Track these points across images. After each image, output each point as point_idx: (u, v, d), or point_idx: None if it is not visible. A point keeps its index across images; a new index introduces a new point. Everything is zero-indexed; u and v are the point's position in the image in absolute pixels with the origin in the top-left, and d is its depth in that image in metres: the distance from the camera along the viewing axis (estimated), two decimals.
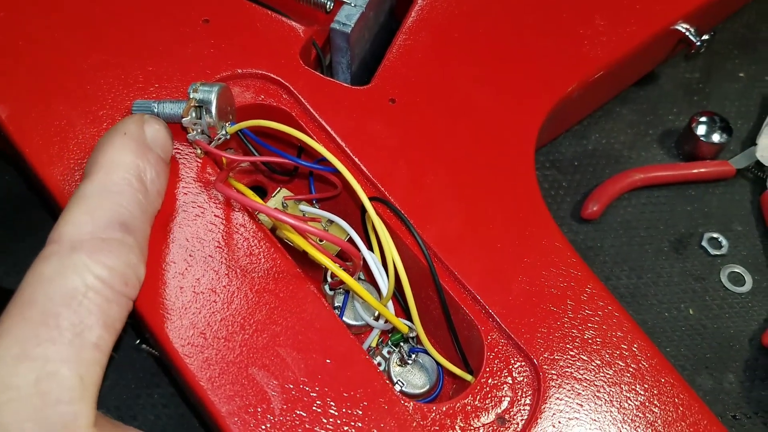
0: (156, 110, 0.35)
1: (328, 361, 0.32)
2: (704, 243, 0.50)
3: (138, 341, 0.43)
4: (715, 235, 0.51)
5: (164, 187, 0.33)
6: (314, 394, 0.31)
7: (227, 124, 0.35)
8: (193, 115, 0.34)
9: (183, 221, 0.34)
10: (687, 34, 0.52)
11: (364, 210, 0.39)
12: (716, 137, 0.53)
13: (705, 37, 0.52)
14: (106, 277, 0.27)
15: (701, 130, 0.53)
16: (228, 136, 0.35)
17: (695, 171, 0.53)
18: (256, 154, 0.37)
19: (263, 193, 0.44)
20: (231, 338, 0.32)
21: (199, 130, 0.34)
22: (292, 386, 0.31)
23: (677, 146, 0.55)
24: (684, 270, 0.49)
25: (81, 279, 0.27)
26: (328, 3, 0.46)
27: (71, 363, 0.26)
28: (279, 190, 0.40)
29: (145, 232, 0.31)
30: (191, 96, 0.34)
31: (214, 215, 0.35)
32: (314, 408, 0.31)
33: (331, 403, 0.31)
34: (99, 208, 0.29)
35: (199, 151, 0.36)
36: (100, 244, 0.28)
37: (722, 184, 0.54)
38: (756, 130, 0.56)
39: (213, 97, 0.33)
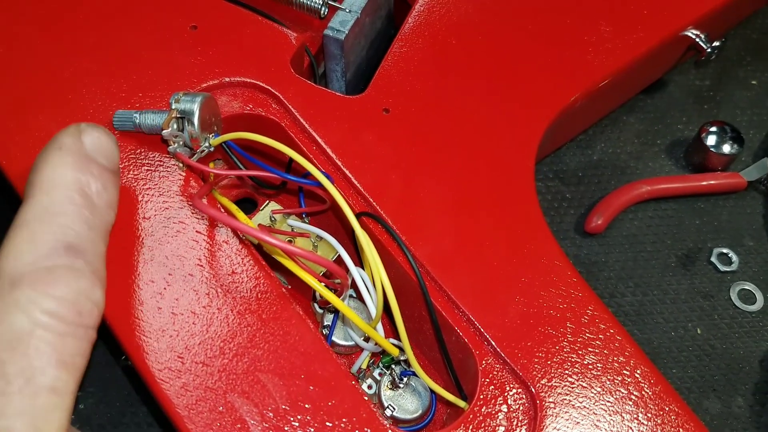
0: (137, 121, 0.34)
1: (311, 387, 0.30)
2: (713, 259, 0.48)
3: (123, 357, 0.42)
4: (724, 251, 0.49)
5: (115, 198, 0.30)
6: (296, 423, 0.29)
7: (211, 136, 0.33)
8: (175, 126, 0.32)
9: (163, 238, 0.33)
10: (697, 40, 0.50)
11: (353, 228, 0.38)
12: (727, 148, 0.51)
13: (716, 43, 0.50)
14: (55, 309, 0.25)
15: (711, 140, 0.51)
16: (212, 149, 0.34)
17: (705, 183, 0.51)
18: (241, 167, 0.36)
19: (254, 205, 0.42)
20: (210, 363, 0.30)
21: (180, 143, 0.33)
22: (272, 415, 0.29)
23: (686, 157, 0.53)
24: (692, 287, 0.47)
25: (26, 316, 0.24)
26: (323, 8, 0.44)
27: (25, 415, 0.23)
28: (267, 204, 0.39)
29: (97, 250, 0.28)
30: (173, 106, 0.32)
31: (196, 231, 0.33)
32: None
33: None
34: (40, 233, 0.26)
35: (182, 164, 0.35)
36: (44, 274, 0.25)
37: (733, 197, 0.52)
38: None
39: (195, 108, 0.32)
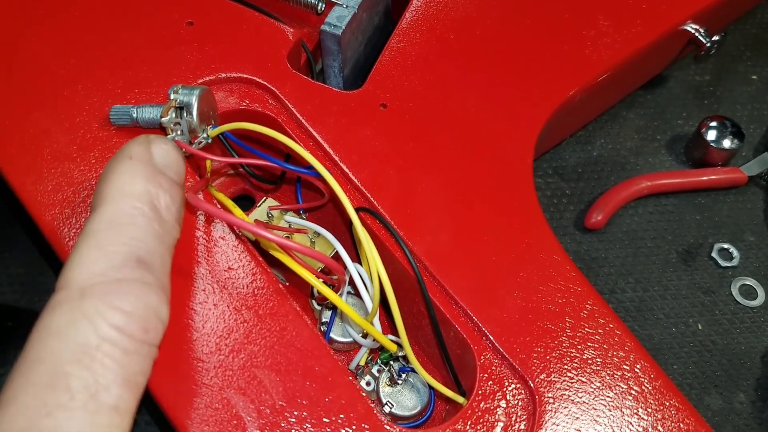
0: (135, 115, 0.34)
1: (308, 383, 0.30)
2: (714, 254, 0.48)
3: None
4: (725, 246, 0.48)
5: (182, 213, 0.29)
6: (293, 420, 0.29)
7: (209, 128, 0.33)
8: (173, 115, 0.32)
9: None
10: (696, 34, 0.49)
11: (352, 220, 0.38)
12: (727, 143, 0.51)
13: (715, 38, 0.50)
14: (123, 324, 0.24)
15: (711, 135, 0.51)
16: (210, 140, 0.33)
17: (705, 178, 0.50)
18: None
19: (251, 203, 0.42)
20: (206, 359, 0.30)
21: (179, 132, 0.32)
22: (269, 411, 0.29)
23: (686, 152, 0.53)
24: (693, 282, 0.47)
25: (93, 329, 0.23)
26: (320, 4, 0.44)
27: None
28: (264, 200, 0.39)
29: (166, 266, 0.27)
30: (172, 97, 0.32)
31: (192, 226, 0.33)
32: None
33: (311, 429, 0.29)
34: (110, 244, 0.25)
35: None
36: (114, 286, 0.24)
37: (733, 192, 0.51)
38: None
39: (194, 99, 0.32)
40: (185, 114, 0.32)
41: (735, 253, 0.48)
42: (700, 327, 0.45)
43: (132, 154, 0.28)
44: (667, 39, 0.47)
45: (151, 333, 0.25)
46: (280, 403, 0.29)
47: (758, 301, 0.46)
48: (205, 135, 0.33)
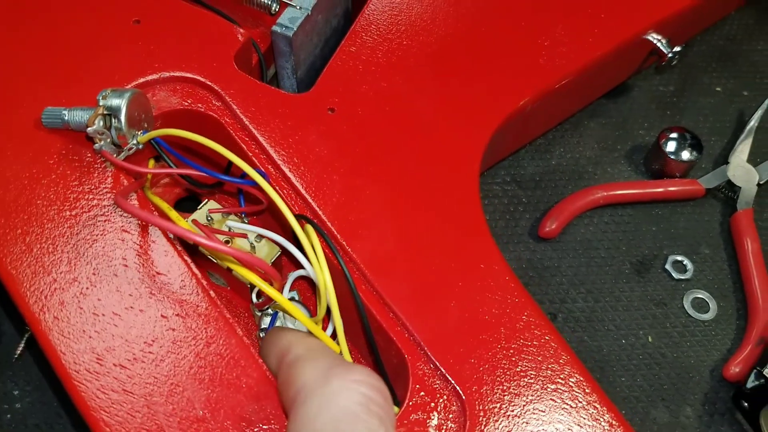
0: (66, 118, 0.33)
1: (233, 393, 0.29)
2: (668, 266, 0.48)
3: None
4: (679, 258, 0.48)
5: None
6: (216, 430, 0.29)
7: (139, 133, 0.33)
8: (101, 123, 0.31)
9: (89, 236, 0.32)
10: (658, 45, 0.49)
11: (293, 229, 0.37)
12: (685, 155, 0.50)
13: (677, 48, 0.50)
14: (370, 393, 0.25)
15: (670, 146, 0.51)
16: (140, 146, 0.33)
17: (662, 189, 0.50)
18: (172, 165, 0.35)
19: (198, 202, 0.41)
20: (129, 366, 0.29)
21: (107, 140, 0.32)
22: (191, 422, 0.29)
23: (645, 163, 0.53)
24: (645, 294, 0.47)
25: (351, 399, 0.24)
26: (273, 5, 0.44)
27: None
28: (206, 203, 0.38)
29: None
30: (100, 103, 0.31)
31: (123, 230, 0.32)
32: None
33: None
34: (318, 358, 0.27)
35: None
36: (344, 365, 0.26)
37: (690, 204, 0.51)
38: (730, 147, 0.54)
39: (122, 104, 0.31)
40: (113, 121, 0.31)
41: (689, 265, 0.48)
42: (650, 339, 0.45)
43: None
44: (626, 49, 0.47)
45: (388, 404, 0.25)
46: (203, 412, 0.29)
47: (710, 315, 0.46)
48: (134, 141, 0.32)
